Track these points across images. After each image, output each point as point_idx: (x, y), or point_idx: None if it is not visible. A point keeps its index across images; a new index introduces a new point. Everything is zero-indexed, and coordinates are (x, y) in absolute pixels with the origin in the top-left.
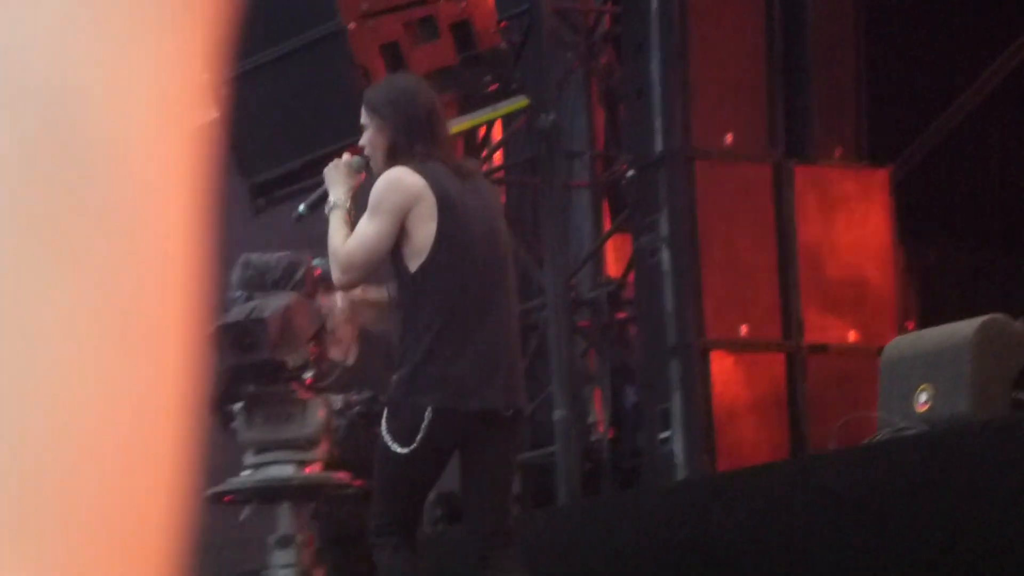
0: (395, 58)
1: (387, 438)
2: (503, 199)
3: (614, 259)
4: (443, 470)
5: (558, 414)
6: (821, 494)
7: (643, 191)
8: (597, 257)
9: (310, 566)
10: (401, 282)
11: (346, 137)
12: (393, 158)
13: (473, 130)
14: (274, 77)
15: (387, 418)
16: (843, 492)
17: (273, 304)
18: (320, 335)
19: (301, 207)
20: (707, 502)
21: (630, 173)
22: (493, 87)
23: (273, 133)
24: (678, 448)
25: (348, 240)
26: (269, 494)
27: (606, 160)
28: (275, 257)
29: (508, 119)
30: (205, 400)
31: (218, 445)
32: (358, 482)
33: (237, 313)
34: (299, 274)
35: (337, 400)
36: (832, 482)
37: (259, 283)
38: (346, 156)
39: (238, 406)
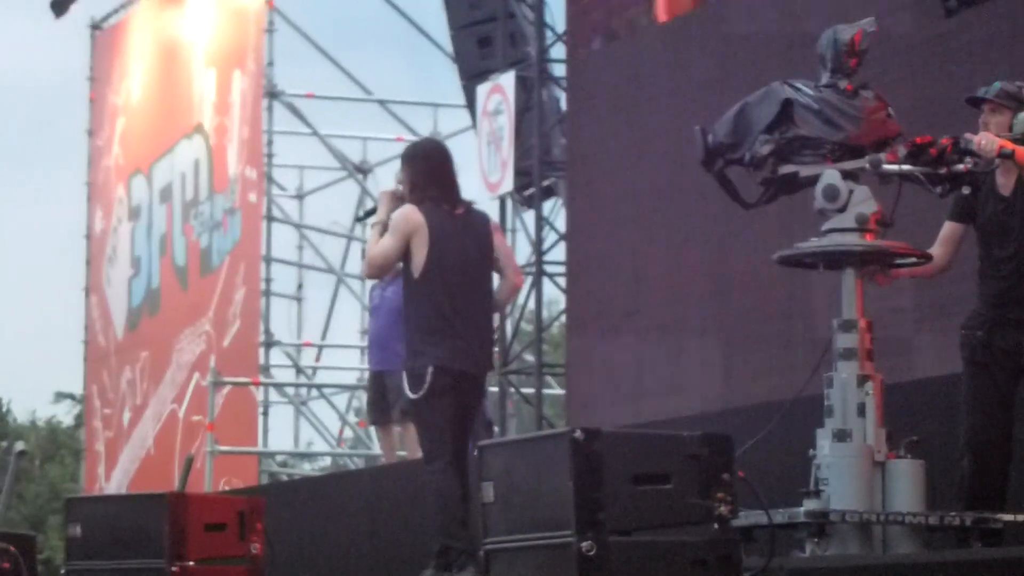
0: None
1: (406, 389)
2: None
3: None
4: (452, 412)
5: None
6: None
7: None
8: None
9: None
10: (408, 282)
11: None
12: (414, 194)
13: None
14: None
15: (405, 376)
16: None
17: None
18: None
19: (360, 213)
20: None
21: None
22: None
23: None
24: None
25: (376, 247)
26: (832, 259)
27: None
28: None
29: None
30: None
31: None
32: (918, 252)
33: None
34: (828, 51)
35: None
36: None
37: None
38: (394, 187)
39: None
